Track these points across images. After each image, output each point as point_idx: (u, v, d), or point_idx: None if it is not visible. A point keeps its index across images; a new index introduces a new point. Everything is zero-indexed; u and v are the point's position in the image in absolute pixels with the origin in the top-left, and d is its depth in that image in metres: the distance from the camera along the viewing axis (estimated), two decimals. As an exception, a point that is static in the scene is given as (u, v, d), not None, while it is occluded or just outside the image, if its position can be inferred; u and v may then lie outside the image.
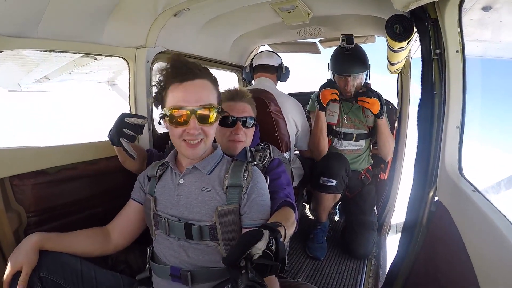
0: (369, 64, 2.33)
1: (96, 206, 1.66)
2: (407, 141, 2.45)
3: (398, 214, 2.68)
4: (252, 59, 2.48)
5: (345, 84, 2.35)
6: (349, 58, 2.29)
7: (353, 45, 2.26)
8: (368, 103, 2.18)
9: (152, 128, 1.96)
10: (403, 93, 2.43)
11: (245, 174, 1.23)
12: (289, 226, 1.11)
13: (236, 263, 0.80)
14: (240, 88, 1.61)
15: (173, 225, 1.22)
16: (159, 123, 1.27)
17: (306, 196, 2.87)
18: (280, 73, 2.33)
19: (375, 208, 2.55)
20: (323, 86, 2.29)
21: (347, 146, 2.46)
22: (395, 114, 2.66)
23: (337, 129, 2.46)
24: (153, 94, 1.26)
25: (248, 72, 2.45)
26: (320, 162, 2.30)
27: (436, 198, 1.20)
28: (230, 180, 1.21)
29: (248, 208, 1.19)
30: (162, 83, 1.21)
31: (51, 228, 1.39)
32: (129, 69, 1.87)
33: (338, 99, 2.29)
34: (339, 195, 2.38)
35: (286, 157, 2.04)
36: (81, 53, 1.62)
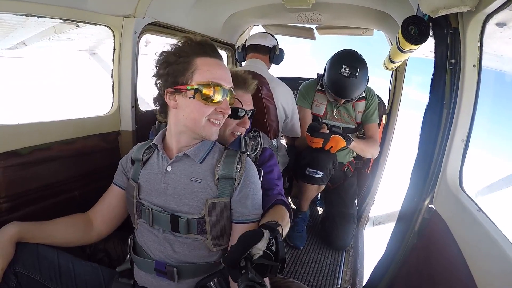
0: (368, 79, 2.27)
1: (73, 190, 1.53)
2: (393, 137, 2.47)
3: (377, 207, 2.76)
4: (245, 40, 2.37)
5: (339, 101, 2.33)
6: (349, 85, 2.19)
7: (357, 77, 2.15)
8: (332, 146, 2.10)
9: (135, 106, 1.81)
10: (395, 90, 2.44)
11: (238, 165, 1.16)
12: (285, 226, 1.09)
13: (236, 263, 0.78)
14: (245, 75, 1.48)
15: (158, 216, 1.14)
16: (157, 104, 1.16)
17: (287, 183, 2.87)
18: (274, 54, 2.20)
19: (355, 201, 2.59)
20: (308, 129, 2.14)
21: None
22: (383, 110, 2.67)
23: (323, 121, 2.44)
24: (162, 65, 1.13)
25: (241, 52, 2.33)
26: (307, 153, 2.26)
27: (430, 206, 1.20)
28: (222, 171, 1.14)
29: (240, 203, 1.13)
30: (185, 53, 1.10)
31: (24, 214, 1.29)
32: (114, 39, 1.70)
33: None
34: (323, 187, 2.40)
35: (274, 144, 2.00)
36: (63, 19, 1.43)
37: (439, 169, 1.17)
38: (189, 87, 1.07)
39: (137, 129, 1.83)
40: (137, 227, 1.23)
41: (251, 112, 1.46)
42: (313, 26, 2.87)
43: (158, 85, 1.16)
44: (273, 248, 0.82)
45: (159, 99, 1.18)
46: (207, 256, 1.15)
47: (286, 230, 1.09)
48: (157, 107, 1.21)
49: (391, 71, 2.50)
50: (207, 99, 1.07)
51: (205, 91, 1.07)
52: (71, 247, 1.22)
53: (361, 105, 2.45)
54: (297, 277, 2.05)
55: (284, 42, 2.33)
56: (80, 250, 1.32)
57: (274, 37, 2.30)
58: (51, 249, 1.13)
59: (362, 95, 2.42)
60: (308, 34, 2.99)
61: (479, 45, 1.09)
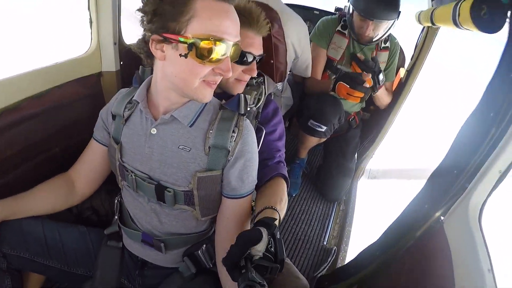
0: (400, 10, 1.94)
1: (52, 148, 1.39)
2: (408, 96, 2.25)
3: (375, 160, 2.71)
4: None
5: (366, 27, 2.00)
6: (381, 1, 1.90)
7: None
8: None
9: (118, 42, 1.53)
10: (424, 47, 2.09)
11: (233, 134, 0.97)
12: (282, 209, 1.00)
13: (236, 264, 0.75)
14: (258, 11, 1.14)
15: (142, 184, 1.03)
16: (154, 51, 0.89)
17: (287, 122, 2.75)
18: None
19: (355, 154, 2.52)
20: (344, 79, 1.92)
21: None
22: (402, 61, 2.38)
23: (338, 66, 2.20)
24: (149, 1, 0.84)
25: None
26: (313, 103, 2.07)
27: (442, 218, 1.07)
28: (215, 139, 0.97)
29: (232, 176, 1.00)
30: None
31: (3, 185, 1.18)
32: None
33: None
34: (324, 139, 2.29)
35: (279, 88, 1.81)
36: None
37: (464, 189, 0.95)
38: (182, 39, 0.81)
39: (122, 68, 1.58)
40: (122, 189, 1.14)
41: (260, 58, 1.21)
42: None
43: (143, 25, 0.89)
44: (272, 249, 0.78)
45: (143, 46, 0.93)
46: (195, 226, 1.09)
47: (283, 213, 1.01)
48: (141, 53, 0.96)
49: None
50: (203, 57, 0.83)
51: (202, 45, 0.81)
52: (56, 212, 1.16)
53: (384, 55, 2.19)
54: (287, 228, 2.08)
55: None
56: (67, 211, 1.25)
57: None
58: (36, 221, 1.09)
59: (387, 45, 2.16)
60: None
61: None
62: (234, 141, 0.98)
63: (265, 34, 1.20)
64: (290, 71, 2.08)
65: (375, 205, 2.40)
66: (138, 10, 0.87)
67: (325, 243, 2.02)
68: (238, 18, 0.89)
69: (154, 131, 0.99)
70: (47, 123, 1.35)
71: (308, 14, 2.14)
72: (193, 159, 0.98)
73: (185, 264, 1.11)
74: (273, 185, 1.11)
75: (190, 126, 0.98)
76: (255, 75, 1.19)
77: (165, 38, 0.83)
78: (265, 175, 1.13)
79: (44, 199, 1.11)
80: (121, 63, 1.58)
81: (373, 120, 2.50)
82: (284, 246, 0.82)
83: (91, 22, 1.44)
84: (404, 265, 1.16)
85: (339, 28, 2.16)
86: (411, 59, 2.21)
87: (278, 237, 0.80)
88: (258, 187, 1.10)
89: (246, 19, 1.09)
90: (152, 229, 1.08)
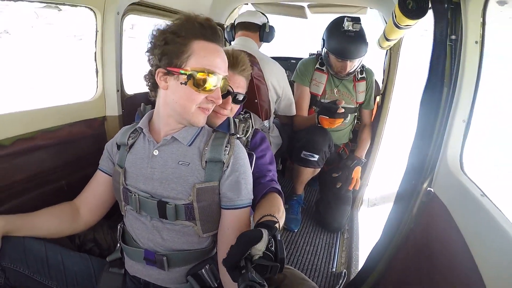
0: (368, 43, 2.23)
1: (60, 179, 1.48)
2: (388, 118, 2.44)
3: (372, 189, 2.75)
4: (234, 20, 2.28)
5: (342, 67, 2.28)
6: (352, 42, 2.17)
7: (359, 29, 2.14)
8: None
9: (121, 90, 1.74)
10: (390, 70, 2.38)
11: (226, 148, 1.11)
12: (281, 217, 1.06)
13: (237, 264, 0.76)
14: (240, 55, 1.40)
15: (145, 202, 1.10)
16: (151, 86, 1.11)
17: (281, 165, 2.84)
18: (264, 32, 2.11)
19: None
20: (322, 112, 2.11)
21: None
22: (377, 90, 2.63)
23: (321, 100, 2.40)
24: (157, 41, 1.05)
25: (230, 31, 2.25)
26: (303, 135, 2.22)
27: (429, 189, 1.17)
28: (210, 153, 1.09)
29: (229, 187, 1.09)
30: (184, 33, 1.03)
31: (10, 208, 1.23)
32: (96, 21, 1.61)
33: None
34: (318, 169, 2.37)
35: (266, 125, 1.95)
36: (41, 1, 1.36)
37: (438, 151, 1.13)
38: (183, 72, 1.02)
39: (123, 113, 1.76)
40: (125, 214, 1.19)
41: (242, 96, 1.38)
42: (305, 4, 2.78)
43: (150, 62, 1.09)
44: (273, 248, 0.80)
45: (150, 78, 1.12)
46: (197, 242, 1.12)
47: (282, 221, 1.07)
48: (148, 85, 1.15)
49: (385, 51, 2.44)
50: (199, 86, 1.02)
51: (198, 77, 1.01)
52: (59, 238, 1.18)
53: (362, 85, 2.43)
54: (292, 260, 2.04)
55: (275, 23, 2.24)
56: (69, 241, 1.28)
57: (265, 15, 2.22)
58: (38, 242, 1.10)
59: (363, 76, 2.41)
60: (299, 12, 2.88)
61: (481, 20, 1.03)
62: (228, 154, 1.11)
63: (245, 75, 1.42)
64: (275, 114, 2.27)
65: (381, 229, 2.37)
66: (147, 51, 1.09)
67: (333, 269, 1.96)
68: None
69: (156, 152, 1.12)
70: (56, 155, 1.47)
71: (285, 64, 2.41)
72: (191, 173, 1.08)
73: (189, 284, 1.11)
74: (269, 198, 1.17)
75: (189, 145, 1.12)
76: (228, 108, 1.33)
77: (169, 71, 1.04)
78: (259, 192, 1.20)
79: (49, 221, 1.14)
80: (123, 110, 1.77)
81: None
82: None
83: (97, 71, 1.67)
84: (408, 254, 1.17)
85: (317, 65, 2.43)
86: (382, 83, 2.45)
87: (279, 239, 0.83)
88: (253, 204, 1.17)
89: (230, 61, 1.30)
90: (154, 246, 1.11)
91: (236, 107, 1.44)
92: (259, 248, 0.78)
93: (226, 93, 1.29)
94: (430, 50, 1.14)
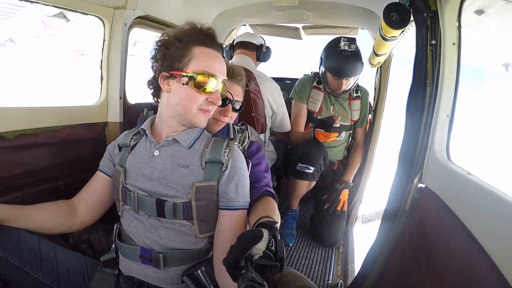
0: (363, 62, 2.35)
1: (58, 179, 1.50)
2: (379, 134, 2.51)
3: (365, 205, 2.76)
4: (233, 40, 2.39)
5: (338, 85, 2.38)
6: (348, 61, 2.28)
7: (355, 49, 2.26)
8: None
9: (123, 97, 1.80)
10: (381, 87, 2.49)
11: (226, 150, 1.15)
12: (277, 219, 1.07)
13: (237, 263, 0.77)
14: (236, 67, 1.50)
15: (143, 200, 1.11)
16: (154, 91, 1.18)
17: (275, 182, 2.85)
18: (261, 52, 2.25)
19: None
20: (319, 125, 2.15)
21: None
22: (370, 107, 2.72)
23: (318, 117, 2.47)
24: (160, 47, 1.14)
25: (228, 50, 2.36)
26: (299, 147, 2.27)
27: (420, 185, 1.22)
28: (210, 155, 1.13)
29: (227, 188, 1.12)
30: (185, 39, 1.11)
31: (7, 201, 1.21)
32: (104, 30, 1.71)
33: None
34: (313, 183, 2.39)
35: (261, 139, 1.99)
36: (54, 5, 1.43)
37: (426, 146, 1.21)
38: (184, 74, 1.08)
39: (124, 121, 1.81)
40: (122, 214, 1.19)
41: (239, 105, 1.45)
42: (300, 26, 2.92)
43: (154, 67, 1.16)
44: (273, 248, 0.80)
45: (153, 82, 1.18)
46: (193, 242, 1.13)
47: (278, 224, 1.07)
48: (151, 90, 1.22)
49: (376, 68, 2.55)
50: (200, 87, 1.08)
51: (199, 79, 1.08)
52: (54, 235, 1.18)
53: (357, 103, 2.53)
54: (288, 273, 2.00)
55: (271, 44, 2.37)
56: (63, 240, 1.28)
57: (262, 37, 2.34)
58: (33, 235, 1.09)
59: (358, 94, 2.51)
60: (294, 34, 3.03)
61: (457, 24, 1.15)
62: (227, 155, 1.15)
63: (241, 84, 1.51)
64: (271, 130, 2.32)
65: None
66: (151, 58, 1.17)
67: (330, 281, 1.94)
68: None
69: (156, 152, 1.15)
70: (56, 154, 1.50)
71: (281, 84, 2.49)
72: (191, 173, 1.11)
73: (185, 284, 1.11)
74: (264, 202, 1.19)
75: (189, 148, 1.16)
76: (229, 116, 1.40)
77: (171, 74, 1.11)
78: (254, 195, 1.22)
79: (46, 216, 1.14)
80: (124, 118, 1.82)
81: None
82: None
83: (101, 78, 1.74)
84: (405, 248, 1.19)
85: (315, 84, 2.53)
86: (373, 99, 2.54)
87: (279, 239, 0.84)
88: (248, 208, 1.18)
89: (229, 72, 1.38)
90: (151, 244, 1.11)
91: (235, 115, 1.51)
92: (260, 248, 0.79)
93: (226, 101, 1.36)
94: (414, 56, 1.23)
